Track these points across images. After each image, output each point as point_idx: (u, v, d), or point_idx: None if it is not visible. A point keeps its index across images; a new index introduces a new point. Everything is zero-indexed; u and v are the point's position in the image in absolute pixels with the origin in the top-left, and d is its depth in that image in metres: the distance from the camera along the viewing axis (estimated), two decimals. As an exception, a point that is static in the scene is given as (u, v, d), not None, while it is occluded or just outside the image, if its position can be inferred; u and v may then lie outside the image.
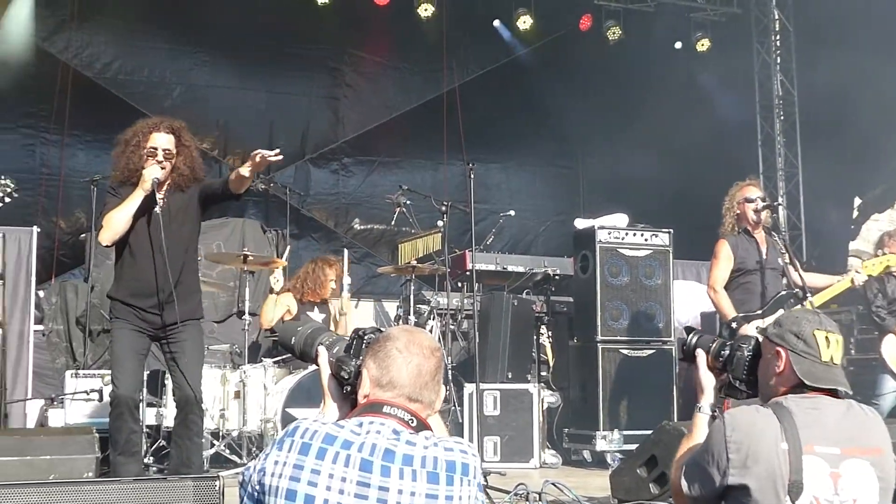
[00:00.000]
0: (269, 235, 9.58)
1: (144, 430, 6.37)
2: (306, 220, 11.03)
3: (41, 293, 8.52)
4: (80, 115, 10.20)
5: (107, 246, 5.25)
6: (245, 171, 5.10)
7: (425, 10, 10.62)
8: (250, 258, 7.51)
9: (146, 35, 10.78)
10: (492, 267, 8.76)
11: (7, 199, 5.00)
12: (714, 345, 2.95)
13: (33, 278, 8.13)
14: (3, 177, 5.05)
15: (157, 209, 5.13)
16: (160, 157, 5.18)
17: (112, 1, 10.43)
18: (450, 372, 7.54)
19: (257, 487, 2.29)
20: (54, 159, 10.25)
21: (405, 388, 2.36)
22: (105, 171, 7.62)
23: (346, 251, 8.38)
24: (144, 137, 5.20)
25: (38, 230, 8.25)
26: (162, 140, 5.21)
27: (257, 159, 5.05)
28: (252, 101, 11.29)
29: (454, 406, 7.49)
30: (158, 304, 5.19)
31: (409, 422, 2.32)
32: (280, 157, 5.12)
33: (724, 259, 6.58)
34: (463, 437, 7.30)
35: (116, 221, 5.13)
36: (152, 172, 5.11)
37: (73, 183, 9.98)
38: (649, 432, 5.50)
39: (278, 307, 7.81)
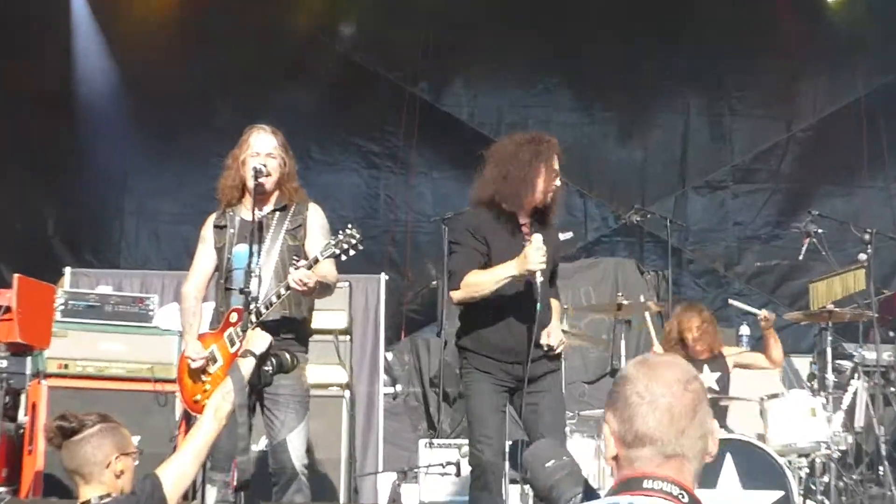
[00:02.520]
0: (646, 278, 8.87)
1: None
2: (688, 261, 10.11)
3: (389, 355, 8.31)
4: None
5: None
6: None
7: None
8: (626, 305, 6.97)
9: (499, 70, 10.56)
10: (936, 311, 7.87)
11: (352, 252, 4.60)
12: None
13: (381, 333, 7.87)
14: (350, 226, 4.63)
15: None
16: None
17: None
18: (883, 446, 6.80)
19: None
20: (399, 201, 10.10)
21: (658, 443, 2.05)
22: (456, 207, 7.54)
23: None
24: (549, 160, 4.88)
25: (387, 277, 8.02)
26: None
27: None
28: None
29: (891, 489, 6.67)
30: (526, 357, 4.82)
31: (679, 496, 2.02)
32: None
33: None
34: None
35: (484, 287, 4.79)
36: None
37: (421, 227, 9.81)
38: None
39: None
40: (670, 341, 7.28)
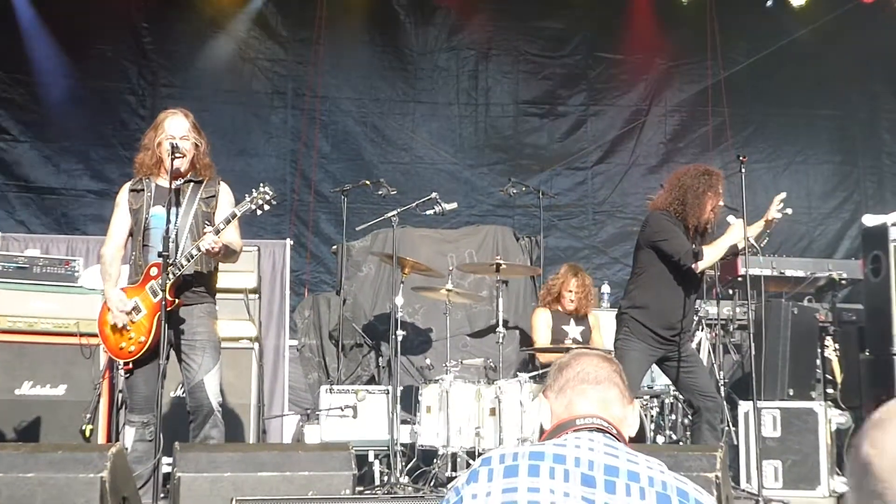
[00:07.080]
0: (522, 243, 9.19)
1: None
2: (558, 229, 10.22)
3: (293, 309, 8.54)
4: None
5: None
6: None
7: (685, -5, 10.14)
8: (503, 267, 7.34)
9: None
10: (767, 272, 8.20)
11: (266, 207, 5.01)
12: None
13: (287, 291, 8.15)
14: (262, 184, 5.03)
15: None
16: None
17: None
18: (722, 388, 7.14)
19: None
20: (306, 169, 9.81)
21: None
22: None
23: None
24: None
25: (292, 242, 8.26)
26: None
27: None
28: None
29: (728, 425, 7.14)
30: (679, 333, 5.90)
31: (609, 429, 2.26)
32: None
33: None
34: (739, 460, 7.04)
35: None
36: None
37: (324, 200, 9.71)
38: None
39: (537, 320, 7.79)
40: (548, 296, 7.80)
